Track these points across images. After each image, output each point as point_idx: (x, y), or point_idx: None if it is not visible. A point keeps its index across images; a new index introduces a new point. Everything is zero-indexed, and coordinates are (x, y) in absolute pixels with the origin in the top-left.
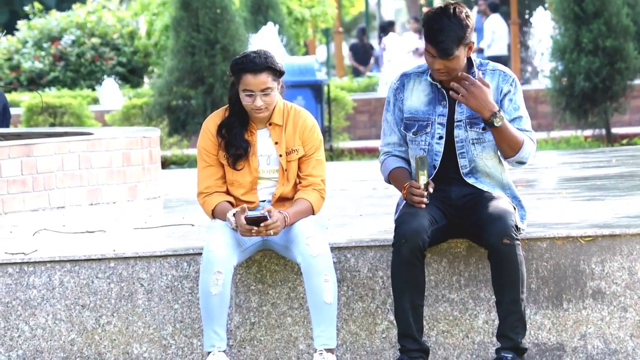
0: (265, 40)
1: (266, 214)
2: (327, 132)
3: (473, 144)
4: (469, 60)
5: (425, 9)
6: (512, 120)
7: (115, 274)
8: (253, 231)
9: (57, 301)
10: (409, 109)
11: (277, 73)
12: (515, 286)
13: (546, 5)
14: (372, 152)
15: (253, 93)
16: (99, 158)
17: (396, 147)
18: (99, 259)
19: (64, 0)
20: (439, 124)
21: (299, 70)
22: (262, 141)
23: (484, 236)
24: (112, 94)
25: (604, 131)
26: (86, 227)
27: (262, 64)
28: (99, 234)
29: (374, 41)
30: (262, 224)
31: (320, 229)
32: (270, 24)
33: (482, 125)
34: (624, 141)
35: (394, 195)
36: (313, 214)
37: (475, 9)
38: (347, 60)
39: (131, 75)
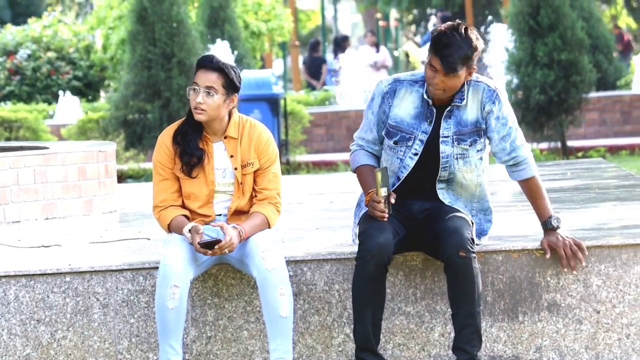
0: (220, 54)
1: (219, 231)
2: (283, 146)
3: (457, 158)
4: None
5: (381, 23)
6: (501, 138)
7: (71, 289)
8: (208, 253)
9: (12, 316)
10: (395, 118)
11: (229, 82)
12: (471, 299)
13: (502, 18)
14: (328, 166)
15: (197, 87)
16: (55, 172)
17: (370, 145)
18: (55, 274)
19: (19, 14)
20: (419, 140)
21: (255, 84)
22: (218, 154)
23: (440, 249)
24: (69, 108)
25: (559, 144)
26: (41, 241)
27: (216, 63)
28: (54, 248)
29: (329, 55)
30: (216, 246)
31: (275, 243)
32: (219, 41)
33: (469, 141)
34: (579, 154)
35: (351, 208)
36: (269, 227)
37: (433, 19)
38: (302, 74)
39: (87, 90)
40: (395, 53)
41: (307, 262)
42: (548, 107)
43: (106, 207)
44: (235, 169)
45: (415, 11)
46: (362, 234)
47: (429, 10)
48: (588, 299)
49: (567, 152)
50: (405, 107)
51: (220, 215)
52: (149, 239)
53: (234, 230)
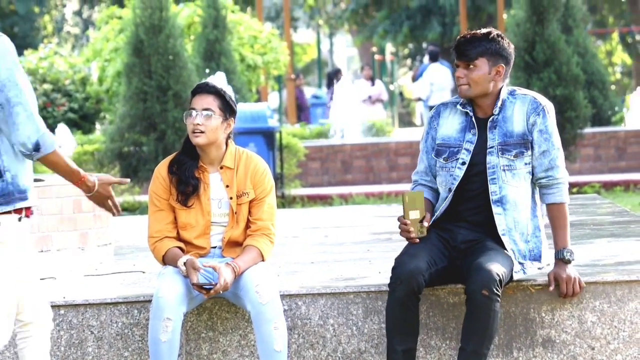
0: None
1: (211, 272)
2: (278, 179)
3: (504, 170)
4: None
5: (377, 57)
6: (542, 153)
7: (65, 322)
8: (204, 293)
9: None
10: (442, 136)
11: (226, 105)
12: (481, 338)
13: None
14: (323, 199)
15: (194, 110)
16: (50, 205)
17: (422, 176)
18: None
19: (15, 46)
20: (465, 149)
21: (251, 117)
22: (214, 185)
23: (467, 282)
24: (65, 140)
25: None
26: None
27: (212, 87)
28: (49, 281)
29: (324, 89)
30: (211, 290)
31: (269, 276)
32: (219, 73)
33: (514, 152)
34: (574, 190)
35: (345, 242)
36: (262, 260)
37: (426, 56)
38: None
39: (83, 122)
40: (391, 87)
41: (301, 296)
42: None
43: (101, 240)
44: (231, 198)
45: (411, 45)
46: (396, 261)
47: (424, 44)
48: (583, 335)
49: None
50: (451, 124)
51: (215, 247)
52: (143, 272)
53: (228, 268)
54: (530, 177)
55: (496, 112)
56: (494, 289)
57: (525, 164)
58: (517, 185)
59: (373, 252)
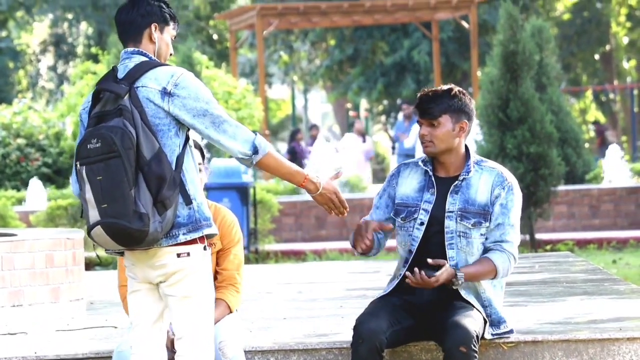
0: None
1: None
2: (252, 235)
3: (459, 236)
4: (467, 153)
5: (352, 113)
6: (496, 225)
7: None
8: None
9: None
10: (401, 195)
11: (202, 156)
12: None
13: None
14: (297, 255)
15: None
16: (22, 259)
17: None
18: None
19: None
20: (423, 209)
21: (225, 173)
22: None
23: (443, 340)
24: (38, 194)
25: (527, 237)
26: (7, 329)
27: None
28: (20, 336)
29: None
30: None
31: (234, 333)
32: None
33: (472, 221)
34: (548, 247)
35: (318, 299)
36: (230, 312)
37: (401, 113)
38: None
39: (56, 176)
40: None
41: (274, 352)
42: None
43: (73, 294)
44: None
45: (385, 102)
46: (357, 320)
47: (399, 101)
48: None
49: (535, 245)
50: (410, 183)
51: None
52: (115, 327)
53: None
54: (483, 247)
55: (461, 179)
56: (472, 346)
57: (481, 234)
58: (471, 253)
59: (346, 309)
